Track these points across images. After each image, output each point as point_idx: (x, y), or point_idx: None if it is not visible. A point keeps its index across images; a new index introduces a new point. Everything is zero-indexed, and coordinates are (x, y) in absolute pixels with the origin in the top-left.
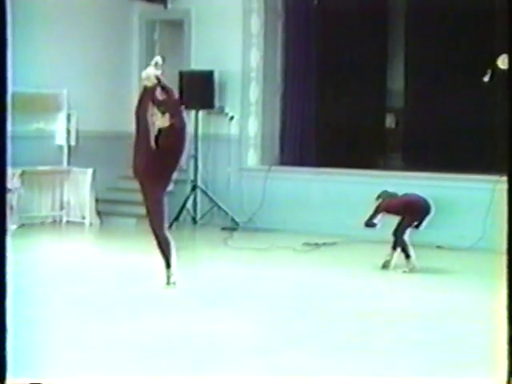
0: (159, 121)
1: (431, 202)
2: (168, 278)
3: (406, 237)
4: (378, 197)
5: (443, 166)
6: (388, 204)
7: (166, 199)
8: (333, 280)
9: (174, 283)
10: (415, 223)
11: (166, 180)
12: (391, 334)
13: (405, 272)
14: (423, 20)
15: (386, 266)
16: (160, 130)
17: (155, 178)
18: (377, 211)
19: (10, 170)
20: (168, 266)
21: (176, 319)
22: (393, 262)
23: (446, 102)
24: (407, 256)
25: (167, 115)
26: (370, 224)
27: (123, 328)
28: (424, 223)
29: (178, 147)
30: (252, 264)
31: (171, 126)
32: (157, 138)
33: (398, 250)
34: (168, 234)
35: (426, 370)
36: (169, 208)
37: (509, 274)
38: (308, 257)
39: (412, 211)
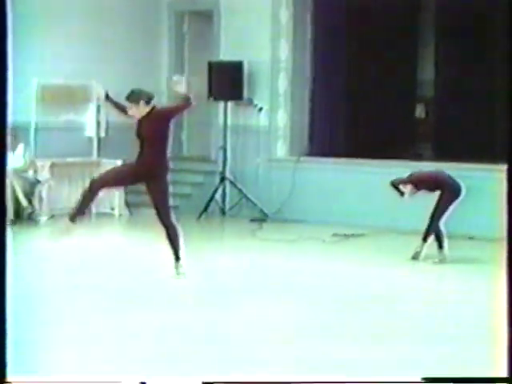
0: (131, 110)
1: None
2: (177, 268)
3: (442, 226)
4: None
5: (473, 156)
6: (419, 176)
7: (190, 190)
8: (362, 271)
9: (184, 274)
10: (452, 204)
11: (163, 168)
12: (421, 326)
13: (435, 263)
14: (453, 10)
15: (415, 257)
16: (140, 121)
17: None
18: (407, 180)
19: (39, 162)
20: (177, 258)
21: (203, 310)
22: (423, 253)
23: (476, 92)
24: (440, 246)
25: (141, 104)
26: (395, 184)
27: (154, 319)
28: (452, 206)
29: (162, 133)
30: (280, 255)
31: (152, 113)
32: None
33: (429, 241)
34: (176, 223)
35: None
36: (197, 199)
37: (509, 276)
38: (337, 248)
39: (446, 188)
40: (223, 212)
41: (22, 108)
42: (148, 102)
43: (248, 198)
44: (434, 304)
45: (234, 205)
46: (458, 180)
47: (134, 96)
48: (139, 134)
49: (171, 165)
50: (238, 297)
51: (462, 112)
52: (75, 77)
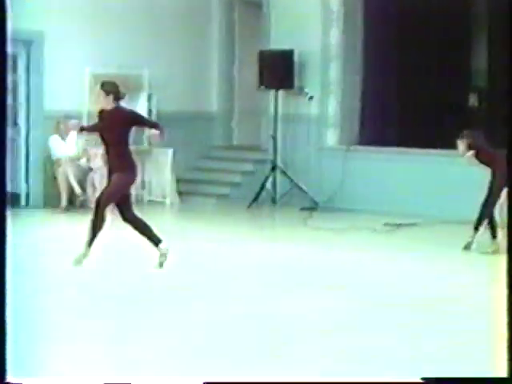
0: (100, 99)
1: None
2: (161, 253)
3: (496, 214)
4: (462, 137)
5: None
6: (482, 147)
7: (240, 179)
8: (412, 263)
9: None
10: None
11: (125, 161)
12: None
13: (487, 253)
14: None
15: (467, 247)
16: (102, 111)
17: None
18: (470, 146)
19: (92, 150)
20: (157, 243)
21: (255, 299)
22: (475, 243)
23: None
24: (494, 236)
25: (110, 98)
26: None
27: (210, 309)
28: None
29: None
30: (331, 245)
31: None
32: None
33: (481, 230)
34: (137, 213)
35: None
36: (248, 188)
37: (508, 278)
38: (388, 237)
39: (500, 171)
40: (274, 201)
41: (74, 97)
42: (116, 99)
43: (298, 187)
44: (481, 301)
45: (285, 193)
46: None
47: (107, 87)
48: (103, 134)
49: (222, 154)
50: (290, 288)
51: None
52: (127, 66)
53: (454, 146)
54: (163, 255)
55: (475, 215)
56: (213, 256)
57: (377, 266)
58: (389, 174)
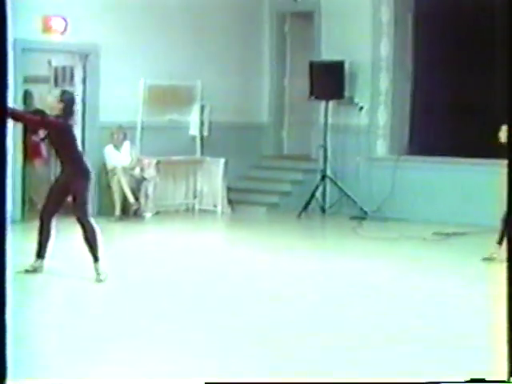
0: (55, 105)
1: None
2: (97, 273)
3: None
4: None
5: None
6: None
7: (290, 188)
8: (455, 272)
9: (105, 279)
10: None
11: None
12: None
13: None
14: None
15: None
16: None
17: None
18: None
19: (145, 160)
20: (96, 259)
21: (304, 308)
22: (499, 258)
23: None
24: None
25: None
26: None
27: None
28: None
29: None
30: (381, 254)
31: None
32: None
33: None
34: (93, 222)
35: None
36: (297, 197)
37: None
38: (438, 247)
39: None
40: (323, 210)
41: (129, 107)
42: (64, 110)
43: (348, 196)
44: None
45: (335, 203)
46: None
47: (64, 96)
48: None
49: (273, 163)
50: (337, 295)
51: None
52: (180, 77)
53: (503, 156)
54: (99, 275)
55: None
56: (264, 265)
57: (425, 275)
58: (438, 184)
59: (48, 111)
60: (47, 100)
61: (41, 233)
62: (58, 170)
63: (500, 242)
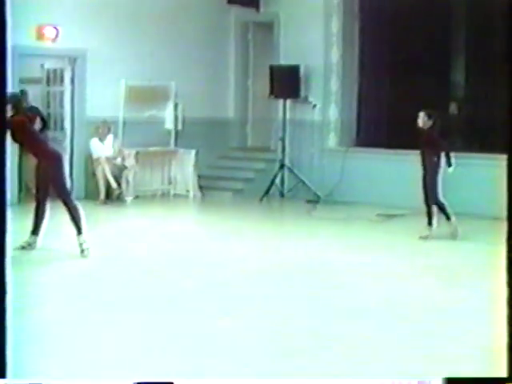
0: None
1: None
2: (80, 244)
3: (442, 198)
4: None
5: (497, 147)
6: (433, 132)
7: (253, 175)
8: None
9: (88, 249)
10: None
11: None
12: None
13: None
14: (482, 21)
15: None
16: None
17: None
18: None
19: (126, 151)
20: (79, 232)
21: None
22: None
23: (503, 91)
24: (447, 218)
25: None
26: None
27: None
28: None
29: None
30: (332, 232)
31: None
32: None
33: (434, 222)
34: (76, 202)
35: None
36: (260, 184)
37: (508, 278)
38: (381, 226)
39: (432, 161)
40: (282, 194)
41: (112, 105)
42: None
43: (304, 183)
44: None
45: (292, 188)
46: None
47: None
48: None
49: (238, 154)
50: (292, 271)
51: (489, 109)
52: (157, 79)
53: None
54: (82, 246)
55: (456, 205)
56: (229, 242)
57: (369, 250)
58: (381, 172)
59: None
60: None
61: (36, 213)
62: None
63: (430, 223)
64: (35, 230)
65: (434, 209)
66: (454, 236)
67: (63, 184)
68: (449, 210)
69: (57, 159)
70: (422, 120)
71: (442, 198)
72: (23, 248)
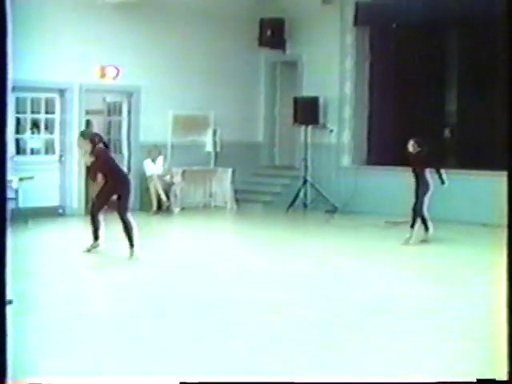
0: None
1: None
2: (131, 252)
3: (426, 211)
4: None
5: (487, 165)
6: (421, 156)
7: (280, 190)
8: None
9: (137, 257)
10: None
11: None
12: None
13: (405, 242)
14: (472, 58)
15: (406, 242)
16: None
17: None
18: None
19: (174, 169)
20: (132, 245)
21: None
22: (413, 238)
23: (490, 117)
24: (427, 229)
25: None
26: None
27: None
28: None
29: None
30: (347, 237)
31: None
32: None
33: (416, 227)
34: (131, 218)
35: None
36: (286, 197)
37: (509, 278)
38: (388, 231)
39: (425, 178)
40: (305, 206)
41: (161, 131)
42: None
43: (323, 195)
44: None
45: (313, 200)
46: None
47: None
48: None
49: (267, 172)
50: (314, 271)
51: (478, 133)
52: (198, 109)
53: (435, 166)
54: (132, 256)
55: (448, 215)
56: (261, 246)
57: (379, 254)
58: (388, 185)
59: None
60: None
61: (93, 223)
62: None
63: (412, 226)
64: (96, 236)
65: (419, 220)
66: (422, 241)
67: (127, 202)
68: (429, 223)
69: (127, 181)
70: (412, 146)
71: (426, 212)
72: (89, 251)
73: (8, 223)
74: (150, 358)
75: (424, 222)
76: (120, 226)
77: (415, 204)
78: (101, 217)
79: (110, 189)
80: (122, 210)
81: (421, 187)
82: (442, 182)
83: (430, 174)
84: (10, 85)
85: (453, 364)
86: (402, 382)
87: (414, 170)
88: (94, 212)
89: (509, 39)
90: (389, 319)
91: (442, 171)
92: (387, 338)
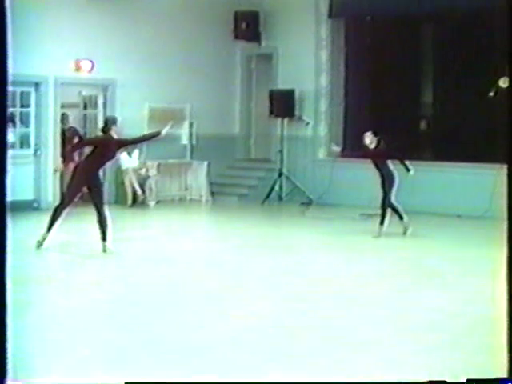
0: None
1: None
2: (104, 246)
3: (394, 201)
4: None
5: (463, 157)
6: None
7: (256, 182)
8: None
9: (110, 250)
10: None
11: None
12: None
13: (374, 237)
14: (448, 50)
15: (376, 236)
16: None
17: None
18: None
19: (149, 162)
20: (104, 238)
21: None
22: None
23: (465, 110)
24: (401, 218)
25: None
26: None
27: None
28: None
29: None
30: (322, 229)
31: None
32: None
33: (386, 221)
34: (107, 211)
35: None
36: (261, 189)
37: (509, 277)
38: (363, 224)
39: (387, 170)
40: (280, 198)
41: (137, 124)
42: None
43: (298, 188)
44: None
45: (288, 193)
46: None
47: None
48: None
49: (243, 164)
50: (287, 262)
51: (454, 125)
52: (174, 102)
53: (409, 158)
54: (105, 248)
55: (420, 206)
56: (236, 239)
57: (349, 245)
58: (363, 178)
59: None
60: None
61: (53, 215)
62: None
63: (382, 223)
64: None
65: (388, 211)
66: (404, 232)
67: (100, 194)
68: (401, 211)
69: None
70: (369, 138)
71: (395, 202)
72: (39, 243)
73: None
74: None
75: (396, 211)
76: (93, 219)
77: (383, 200)
78: (64, 211)
79: (81, 181)
80: (97, 203)
81: (386, 180)
82: (408, 170)
83: (392, 165)
84: (9, 83)
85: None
86: (397, 382)
87: (375, 164)
88: (61, 205)
89: (508, 34)
90: (361, 311)
91: (406, 161)
92: (359, 331)
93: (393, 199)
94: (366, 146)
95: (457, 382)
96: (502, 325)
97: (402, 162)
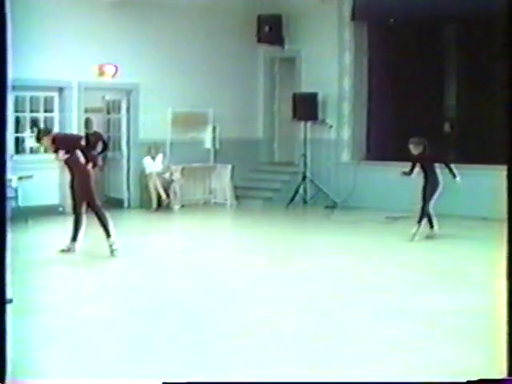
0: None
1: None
2: (110, 246)
3: (431, 210)
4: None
5: (487, 159)
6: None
7: (280, 186)
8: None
9: (116, 249)
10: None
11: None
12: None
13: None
14: (471, 52)
15: (412, 238)
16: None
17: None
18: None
19: (173, 167)
20: (108, 236)
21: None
22: (418, 234)
23: (489, 112)
24: (431, 226)
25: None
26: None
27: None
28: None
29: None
30: (347, 232)
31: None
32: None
33: (423, 223)
34: (104, 211)
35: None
36: (286, 193)
37: (509, 278)
38: (388, 227)
39: (434, 176)
40: (305, 201)
41: (161, 129)
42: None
43: (323, 191)
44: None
45: (313, 196)
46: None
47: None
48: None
49: (267, 168)
50: (313, 264)
51: (477, 127)
52: (197, 106)
53: (438, 161)
54: (111, 247)
55: (449, 209)
56: (261, 241)
57: (377, 248)
58: (387, 181)
59: None
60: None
61: (74, 222)
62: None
63: (419, 222)
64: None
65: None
66: (412, 238)
67: (88, 192)
68: (434, 220)
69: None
70: (413, 147)
71: (431, 210)
72: (63, 251)
73: (8, 222)
74: (149, 357)
75: (429, 219)
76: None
77: (423, 206)
78: (83, 217)
79: (73, 184)
80: (90, 202)
81: (429, 184)
82: (454, 176)
83: (439, 170)
84: (9, 84)
85: (456, 361)
86: (396, 382)
87: (422, 168)
88: (75, 212)
89: (508, 37)
90: (376, 310)
91: (452, 166)
92: (386, 334)
93: (431, 205)
94: (412, 154)
95: (457, 382)
96: None
97: (449, 167)
